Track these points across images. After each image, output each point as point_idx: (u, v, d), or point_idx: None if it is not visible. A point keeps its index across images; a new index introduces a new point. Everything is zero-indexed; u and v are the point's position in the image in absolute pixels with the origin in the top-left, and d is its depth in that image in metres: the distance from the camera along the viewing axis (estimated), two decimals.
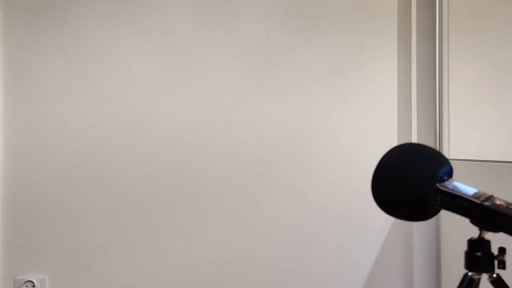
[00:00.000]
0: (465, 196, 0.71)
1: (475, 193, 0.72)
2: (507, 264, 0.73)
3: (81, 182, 1.98)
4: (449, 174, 0.76)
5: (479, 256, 0.73)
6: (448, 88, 2.04)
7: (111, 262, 1.99)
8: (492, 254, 0.73)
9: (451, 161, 0.78)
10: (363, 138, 2.10)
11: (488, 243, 0.73)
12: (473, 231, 0.73)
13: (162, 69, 2.03)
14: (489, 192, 0.73)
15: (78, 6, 2.00)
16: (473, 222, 0.72)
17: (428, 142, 2.06)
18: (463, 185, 0.73)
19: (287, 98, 2.08)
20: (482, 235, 0.73)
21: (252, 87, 2.06)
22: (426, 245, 2.06)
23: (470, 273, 0.73)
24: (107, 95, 2.00)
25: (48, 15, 1.99)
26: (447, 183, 0.73)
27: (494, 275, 0.73)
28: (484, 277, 0.74)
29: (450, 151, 2.02)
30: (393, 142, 2.11)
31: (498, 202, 0.70)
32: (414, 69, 2.09)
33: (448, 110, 2.04)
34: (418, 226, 2.07)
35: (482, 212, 0.69)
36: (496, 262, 0.73)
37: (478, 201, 0.70)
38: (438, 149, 2.05)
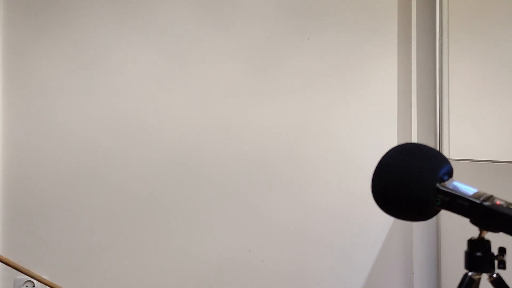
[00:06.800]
0: (465, 196, 0.71)
1: (475, 193, 0.71)
2: (507, 264, 0.72)
3: (81, 182, 1.98)
4: (449, 174, 0.75)
5: (479, 256, 0.73)
6: (448, 88, 2.04)
7: (111, 262, 1.99)
8: (492, 254, 0.73)
9: (451, 161, 0.78)
10: (363, 138, 2.10)
11: (488, 243, 0.73)
12: (473, 231, 0.73)
13: (162, 69, 2.03)
14: (489, 192, 0.73)
15: (78, 6, 2.00)
16: (473, 222, 0.71)
17: (428, 142, 2.06)
18: (463, 185, 0.73)
19: (287, 98, 2.08)
20: (482, 235, 0.73)
21: (252, 87, 2.06)
22: (426, 245, 2.06)
23: (470, 273, 0.73)
24: (107, 95, 2.00)
25: (48, 15, 1.99)
26: (447, 183, 0.73)
27: (494, 275, 0.73)
28: (484, 277, 0.73)
29: (450, 151, 2.02)
30: (393, 142, 2.11)
31: (498, 202, 0.69)
32: (414, 69, 2.09)
33: (448, 110, 2.04)
34: (418, 226, 2.07)
35: (482, 212, 0.69)
36: (496, 262, 0.73)
37: (478, 201, 0.70)
38: (438, 149, 2.05)
